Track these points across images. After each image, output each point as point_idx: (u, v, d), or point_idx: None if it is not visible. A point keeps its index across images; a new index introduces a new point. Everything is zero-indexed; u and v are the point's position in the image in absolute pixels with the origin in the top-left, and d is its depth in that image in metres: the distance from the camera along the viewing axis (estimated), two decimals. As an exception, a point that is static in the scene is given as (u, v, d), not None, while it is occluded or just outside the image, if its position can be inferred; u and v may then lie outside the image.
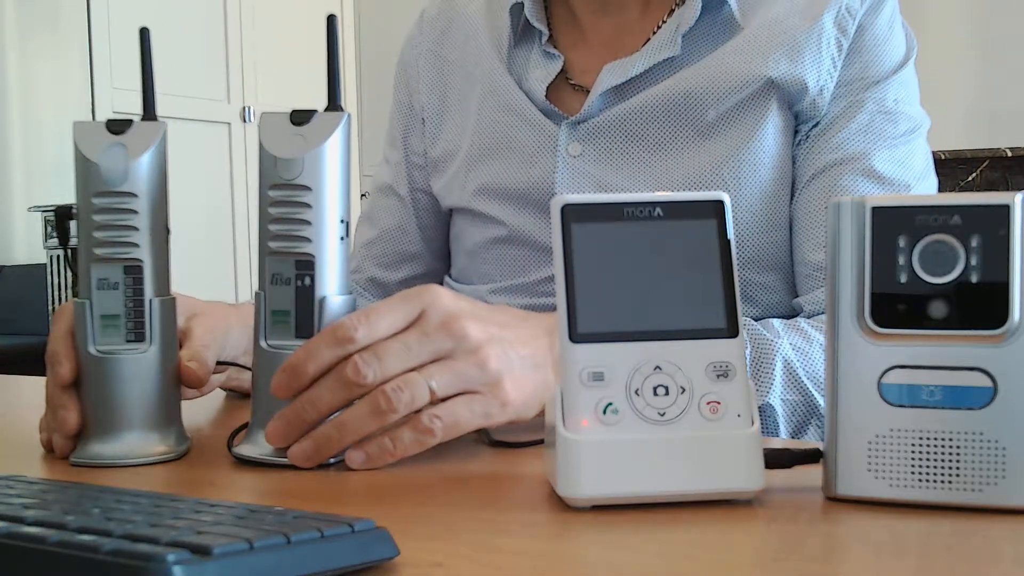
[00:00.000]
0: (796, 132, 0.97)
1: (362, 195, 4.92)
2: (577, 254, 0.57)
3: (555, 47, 1.03)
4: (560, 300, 0.57)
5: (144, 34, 0.71)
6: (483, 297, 1.03)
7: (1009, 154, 3.74)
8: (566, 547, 0.51)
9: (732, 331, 0.57)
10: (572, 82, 1.02)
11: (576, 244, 0.57)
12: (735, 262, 0.57)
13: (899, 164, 0.95)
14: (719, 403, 0.56)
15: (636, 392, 0.56)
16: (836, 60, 0.95)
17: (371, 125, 4.82)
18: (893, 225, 0.55)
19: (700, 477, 0.55)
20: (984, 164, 3.70)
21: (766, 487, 0.56)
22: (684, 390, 0.56)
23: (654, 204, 0.57)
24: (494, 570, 0.47)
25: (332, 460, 0.67)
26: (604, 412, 0.56)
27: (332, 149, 0.68)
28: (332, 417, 0.65)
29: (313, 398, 0.65)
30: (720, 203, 0.57)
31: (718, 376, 0.56)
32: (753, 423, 0.56)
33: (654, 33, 1.00)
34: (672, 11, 1.00)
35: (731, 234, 0.57)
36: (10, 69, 4.77)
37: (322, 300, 0.68)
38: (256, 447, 0.68)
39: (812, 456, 0.62)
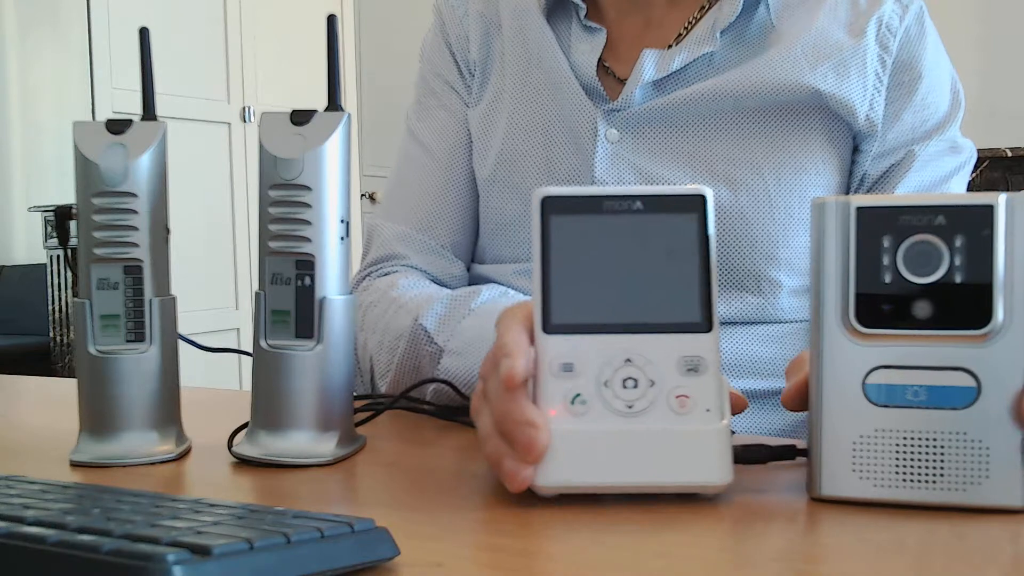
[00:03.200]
0: (857, 150, 0.98)
1: (362, 195, 4.92)
2: (554, 246, 0.57)
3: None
4: (535, 291, 0.57)
5: (144, 34, 0.71)
6: (508, 278, 1.00)
7: (1009, 154, 3.75)
8: (566, 547, 0.51)
9: (707, 325, 0.57)
10: (606, 65, 1.02)
11: (554, 236, 0.57)
12: (714, 257, 0.57)
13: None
14: (688, 397, 0.56)
15: (605, 384, 0.56)
16: (881, 75, 0.97)
17: (371, 125, 4.82)
18: (878, 225, 0.55)
19: (667, 470, 0.56)
20: (984, 164, 3.71)
21: (765, 487, 0.56)
22: (653, 383, 0.56)
23: (634, 197, 0.58)
24: (494, 570, 0.47)
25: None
26: (572, 402, 0.56)
27: (332, 149, 0.68)
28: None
29: None
30: (701, 197, 0.58)
31: (688, 370, 0.56)
32: (723, 418, 0.56)
33: (686, 28, 1.00)
34: (703, 7, 1.00)
35: (712, 229, 0.57)
36: (10, 69, 4.77)
37: (322, 300, 0.68)
38: (256, 447, 0.68)
39: (787, 452, 0.63)
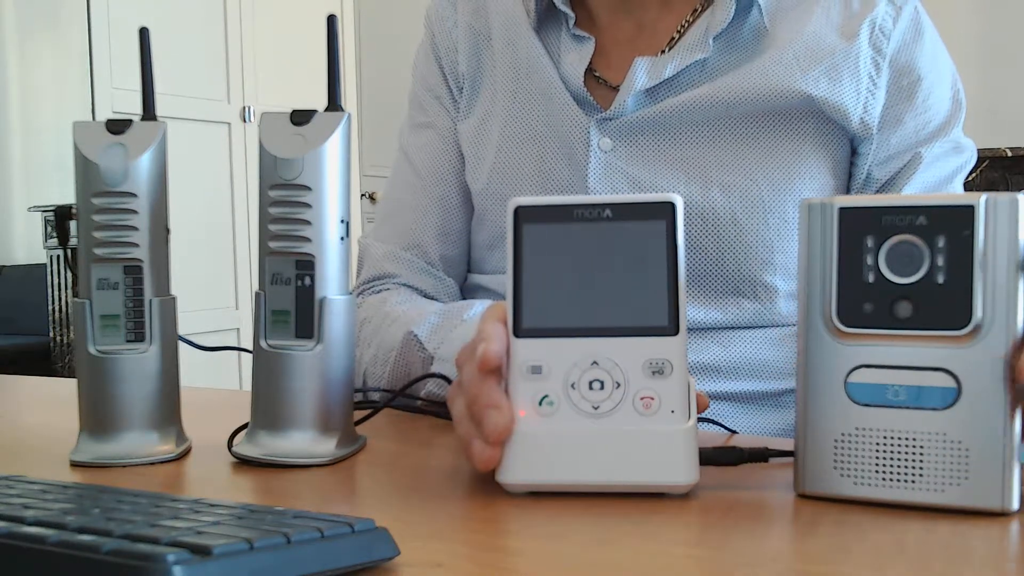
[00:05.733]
0: (856, 152, 0.98)
1: (362, 195, 4.92)
2: (527, 253, 0.59)
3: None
4: (508, 297, 0.59)
5: (144, 34, 0.71)
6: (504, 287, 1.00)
7: (1009, 154, 3.75)
8: (566, 547, 0.51)
9: (673, 329, 0.58)
10: (596, 74, 1.02)
11: (526, 244, 0.59)
12: (683, 262, 0.58)
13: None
14: (653, 398, 0.58)
15: (572, 386, 0.58)
16: (875, 78, 0.96)
17: (371, 125, 4.82)
18: (860, 225, 0.55)
19: (633, 469, 0.57)
20: (984, 164, 3.71)
21: (765, 486, 0.57)
22: (619, 385, 0.58)
23: (603, 205, 0.59)
24: (494, 570, 0.47)
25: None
26: (540, 404, 0.58)
27: (332, 149, 0.68)
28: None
29: None
30: (670, 204, 0.59)
31: (654, 373, 0.58)
32: (689, 419, 0.57)
33: (679, 32, 0.99)
34: (696, 11, 1.00)
35: (681, 235, 0.59)
36: (10, 69, 4.76)
37: (322, 300, 0.68)
38: (256, 447, 0.68)
39: (759, 455, 0.63)
